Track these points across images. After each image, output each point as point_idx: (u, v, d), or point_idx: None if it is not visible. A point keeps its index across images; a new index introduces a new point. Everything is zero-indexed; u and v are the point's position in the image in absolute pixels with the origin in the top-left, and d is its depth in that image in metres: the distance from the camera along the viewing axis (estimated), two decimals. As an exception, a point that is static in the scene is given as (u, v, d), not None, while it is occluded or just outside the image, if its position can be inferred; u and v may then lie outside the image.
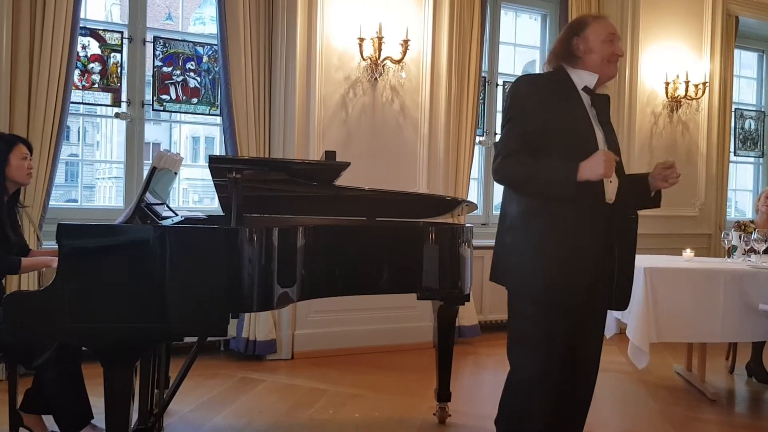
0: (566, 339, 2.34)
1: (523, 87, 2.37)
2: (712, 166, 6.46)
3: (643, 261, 4.05)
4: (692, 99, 6.15)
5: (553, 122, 2.26)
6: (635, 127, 6.01)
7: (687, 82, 6.06)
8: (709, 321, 3.82)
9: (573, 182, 2.17)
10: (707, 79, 6.19)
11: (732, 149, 7.06)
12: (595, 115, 2.35)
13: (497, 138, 2.35)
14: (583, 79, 2.37)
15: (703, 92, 6.17)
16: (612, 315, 4.31)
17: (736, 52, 6.91)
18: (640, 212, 2.45)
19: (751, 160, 7.55)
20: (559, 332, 2.31)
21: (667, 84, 6.07)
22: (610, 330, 4.37)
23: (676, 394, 4.13)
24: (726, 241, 4.36)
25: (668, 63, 6.07)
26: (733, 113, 6.98)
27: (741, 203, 7.92)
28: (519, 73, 6.23)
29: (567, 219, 2.25)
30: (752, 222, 4.76)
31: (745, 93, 7.56)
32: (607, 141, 2.34)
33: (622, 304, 2.43)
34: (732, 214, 7.43)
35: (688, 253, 4.32)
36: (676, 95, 6.08)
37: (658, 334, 3.75)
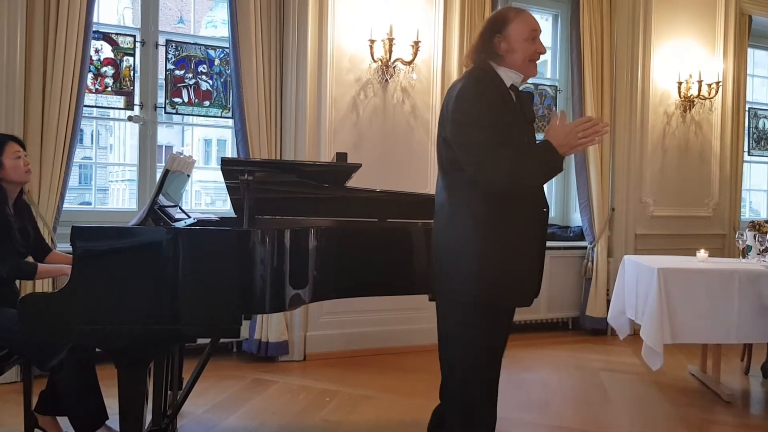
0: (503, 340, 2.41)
1: (472, 92, 2.22)
2: (726, 165, 6.40)
3: (656, 262, 4.03)
4: (705, 98, 6.10)
5: (500, 120, 2.18)
6: (648, 127, 5.96)
7: (700, 82, 6.01)
8: (723, 322, 3.79)
9: (560, 157, 2.14)
10: (720, 79, 6.12)
11: (746, 149, 7.01)
12: (521, 114, 2.29)
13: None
14: (509, 77, 2.27)
15: (717, 92, 6.11)
16: (625, 316, 4.30)
17: (750, 51, 6.85)
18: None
19: (766, 159, 7.48)
20: (503, 335, 2.38)
21: (680, 83, 6.02)
22: (623, 331, 4.36)
23: (690, 396, 4.10)
24: (740, 242, 4.32)
25: (681, 62, 6.02)
26: (746, 113, 6.93)
27: (755, 203, 7.86)
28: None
29: (519, 221, 2.23)
30: (767, 222, 4.72)
31: (758, 92, 7.50)
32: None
33: (536, 294, 2.40)
34: (746, 215, 7.37)
35: (702, 253, 4.29)
36: (689, 95, 6.02)
37: (672, 336, 3.73)
